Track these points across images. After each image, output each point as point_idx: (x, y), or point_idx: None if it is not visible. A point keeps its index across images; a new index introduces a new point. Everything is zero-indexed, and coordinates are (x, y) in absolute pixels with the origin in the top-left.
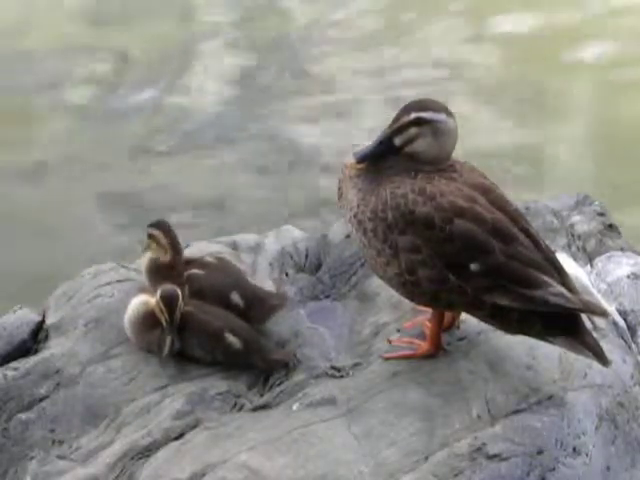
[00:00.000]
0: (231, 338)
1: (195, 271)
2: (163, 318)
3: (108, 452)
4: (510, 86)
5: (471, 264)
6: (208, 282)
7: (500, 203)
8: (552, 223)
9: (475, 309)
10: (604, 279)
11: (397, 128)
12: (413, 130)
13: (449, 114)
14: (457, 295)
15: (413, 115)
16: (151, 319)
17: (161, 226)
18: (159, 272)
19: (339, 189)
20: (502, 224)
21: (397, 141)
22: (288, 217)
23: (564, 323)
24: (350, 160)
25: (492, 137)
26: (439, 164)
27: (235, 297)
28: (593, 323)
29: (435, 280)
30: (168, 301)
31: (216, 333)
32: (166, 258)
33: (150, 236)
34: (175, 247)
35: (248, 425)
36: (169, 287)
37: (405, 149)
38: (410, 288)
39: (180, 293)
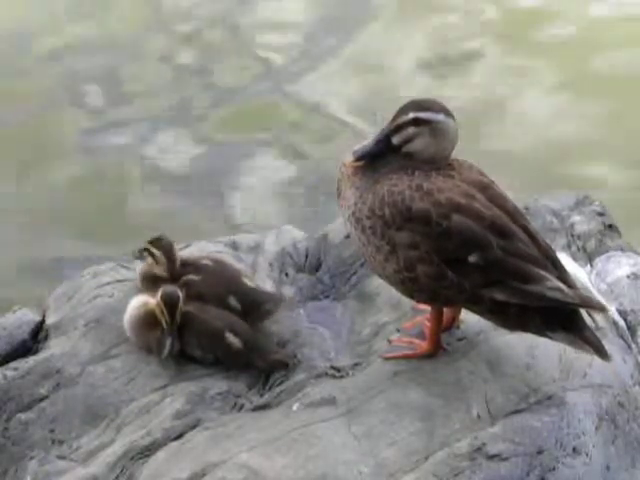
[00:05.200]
0: (232, 338)
1: (191, 277)
2: (164, 319)
3: (108, 452)
4: None
5: (470, 256)
6: (204, 288)
7: (498, 200)
8: (552, 223)
9: (473, 305)
10: (604, 279)
11: (395, 127)
12: (411, 130)
13: (448, 114)
14: (455, 291)
15: (411, 115)
16: (151, 319)
17: (162, 246)
18: (155, 280)
19: (337, 188)
20: (500, 220)
21: (395, 140)
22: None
23: (563, 318)
24: (348, 158)
25: None
26: (437, 163)
27: (232, 301)
28: (595, 322)
29: (433, 276)
30: (169, 302)
31: (217, 333)
32: (162, 273)
33: (149, 253)
34: (173, 265)
35: (248, 425)
36: (170, 288)
37: (403, 148)
38: (409, 285)
39: (181, 294)
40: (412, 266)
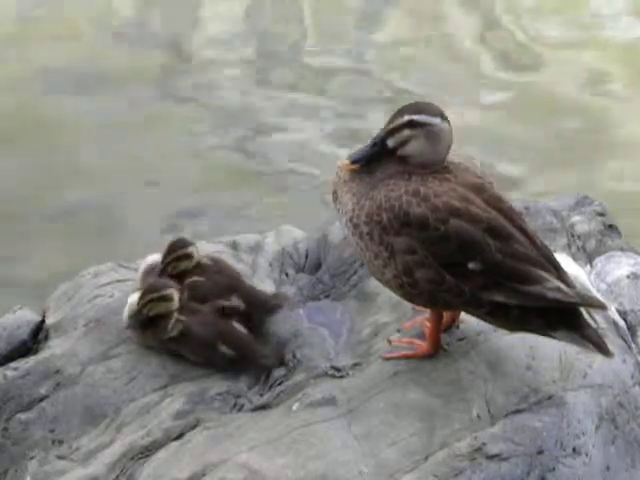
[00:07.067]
0: (224, 349)
1: (195, 278)
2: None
3: (108, 452)
4: None
5: (470, 263)
6: (208, 288)
7: (495, 202)
8: (552, 223)
9: (473, 308)
10: (604, 279)
11: (390, 130)
12: (406, 132)
13: (444, 118)
14: (454, 295)
15: (407, 117)
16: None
17: (189, 243)
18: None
19: (334, 192)
20: (497, 222)
21: (390, 143)
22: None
23: (564, 317)
24: (344, 162)
25: None
26: (432, 167)
27: (235, 301)
28: (595, 320)
29: (432, 280)
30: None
31: (209, 344)
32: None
33: (187, 256)
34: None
35: (248, 425)
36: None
37: (398, 151)
38: (408, 289)
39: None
40: (410, 271)
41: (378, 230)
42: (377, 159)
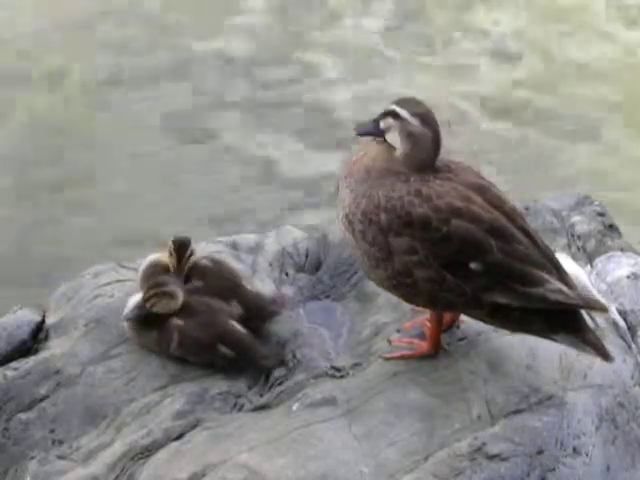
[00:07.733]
0: (224, 349)
1: (195, 283)
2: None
3: (108, 452)
4: None
5: (471, 263)
6: (207, 293)
7: (496, 202)
8: (552, 223)
9: (474, 309)
10: (604, 279)
11: (382, 113)
12: (390, 120)
13: (426, 124)
14: (456, 295)
15: (392, 106)
16: (149, 317)
17: (189, 239)
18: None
19: (338, 187)
20: (499, 223)
21: (381, 125)
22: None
23: (565, 320)
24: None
25: None
26: (415, 168)
27: (235, 306)
28: (595, 322)
29: (433, 280)
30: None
31: (209, 346)
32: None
33: (192, 253)
34: None
35: (248, 425)
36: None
37: (386, 136)
38: (407, 290)
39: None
40: (409, 271)
41: (373, 230)
42: (374, 136)
